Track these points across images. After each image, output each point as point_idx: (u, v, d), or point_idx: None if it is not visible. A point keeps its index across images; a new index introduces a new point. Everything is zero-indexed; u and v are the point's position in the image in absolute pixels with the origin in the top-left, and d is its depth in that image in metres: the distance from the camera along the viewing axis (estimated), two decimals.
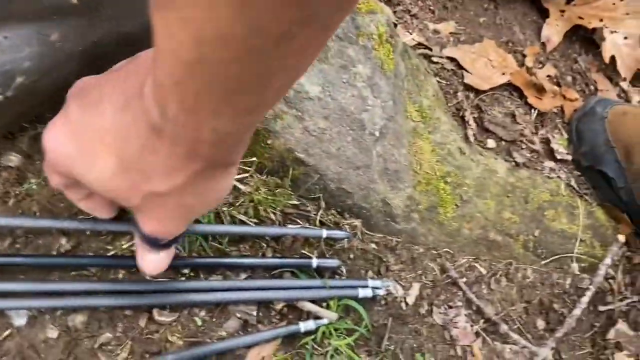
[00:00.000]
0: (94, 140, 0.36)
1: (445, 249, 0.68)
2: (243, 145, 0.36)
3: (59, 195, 0.53)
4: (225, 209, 0.56)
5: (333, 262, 0.57)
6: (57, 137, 0.38)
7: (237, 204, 0.57)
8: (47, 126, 0.39)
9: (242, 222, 0.57)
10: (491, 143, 0.77)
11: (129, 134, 0.34)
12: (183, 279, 0.53)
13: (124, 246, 0.53)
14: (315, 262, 0.56)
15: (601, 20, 0.91)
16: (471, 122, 0.77)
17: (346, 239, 0.60)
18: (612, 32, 0.89)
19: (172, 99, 0.29)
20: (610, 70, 0.92)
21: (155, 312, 0.52)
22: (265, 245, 0.57)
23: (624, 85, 0.91)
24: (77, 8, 0.43)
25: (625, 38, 0.89)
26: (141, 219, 0.40)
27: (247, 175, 0.58)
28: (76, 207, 0.52)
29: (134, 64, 0.38)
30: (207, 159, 0.33)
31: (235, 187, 0.58)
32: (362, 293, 0.57)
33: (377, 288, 0.58)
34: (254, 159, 0.58)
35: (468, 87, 0.79)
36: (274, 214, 0.58)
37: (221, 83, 0.26)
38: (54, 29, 0.43)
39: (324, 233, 0.58)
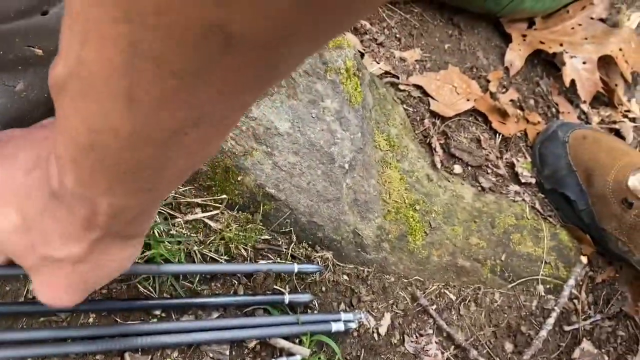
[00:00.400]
0: (4, 196, 0.36)
1: (415, 277, 0.69)
2: (147, 218, 0.36)
3: None
4: (195, 248, 0.56)
5: (305, 297, 0.58)
6: None
7: (208, 242, 0.57)
8: None
9: (213, 260, 0.57)
10: (458, 169, 0.79)
11: (34, 194, 0.35)
12: (154, 320, 0.53)
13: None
14: (287, 297, 0.57)
15: (561, 44, 0.94)
16: (438, 148, 0.78)
17: (317, 272, 0.60)
18: (571, 56, 0.92)
19: (69, 172, 0.29)
20: (570, 92, 0.95)
21: (127, 355, 0.51)
22: (237, 282, 0.58)
23: (584, 107, 0.94)
24: (42, 57, 0.43)
25: (584, 63, 0.92)
26: (35, 283, 0.39)
27: (217, 212, 0.58)
28: None
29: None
30: (105, 231, 0.33)
31: (205, 224, 0.58)
32: (335, 327, 0.58)
33: (349, 321, 0.59)
34: (224, 196, 0.59)
35: (434, 114, 0.81)
36: (245, 250, 0.59)
37: (115, 165, 0.27)
38: (19, 79, 0.43)
39: (296, 268, 0.58)
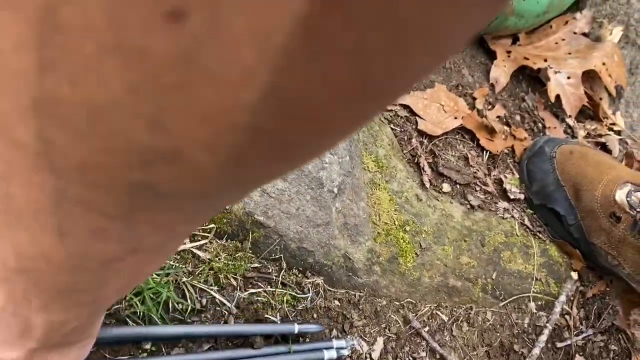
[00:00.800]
0: None
1: (407, 299, 0.68)
2: (90, 326, 0.35)
3: None
4: (185, 279, 0.55)
5: (314, 328, 0.58)
6: None
7: (197, 273, 0.56)
8: None
9: (203, 291, 0.56)
10: (446, 187, 0.79)
11: None
12: (144, 354, 0.52)
13: None
14: (297, 327, 0.56)
15: (545, 60, 0.94)
16: (426, 167, 0.78)
17: (318, 331, 0.60)
18: (555, 72, 0.93)
19: (0, 294, 0.28)
20: (556, 107, 0.96)
21: None
22: (227, 312, 0.57)
23: (570, 121, 0.95)
24: None
25: (569, 78, 0.93)
26: None
27: (205, 242, 0.58)
28: None
29: None
30: (43, 343, 0.32)
31: (194, 254, 0.57)
32: (328, 355, 0.57)
33: (342, 348, 0.59)
34: (213, 225, 0.58)
35: (422, 133, 0.81)
36: (235, 279, 0.58)
37: (49, 287, 0.26)
38: None
39: (296, 328, 0.57)
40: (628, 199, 0.75)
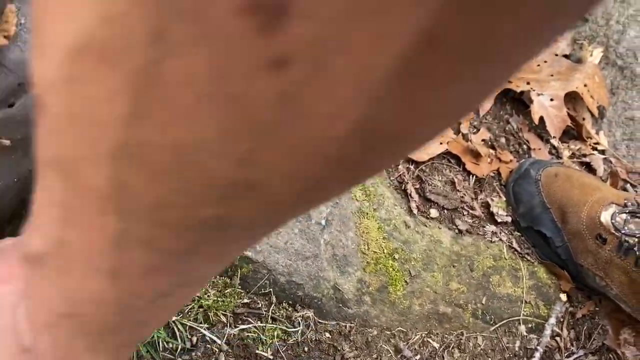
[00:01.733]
0: None
1: (398, 328, 0.69)
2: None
3: None
4: (175, 318, 0.55)
5: None
6: None
7: (186, 311, 0.56)
8: None
9: (192, 329, 0.56)
10: (434, 213, 0.80)
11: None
12: None
13: None
14: None
15: (528, 82, 0.96)
16: (413, 194, 0.79)
17: (299, 332, 0.60)
18: (538, 94, 0.95)
19: (43, 335, 0.27)
20: (540, 128, 0.97)
21: None
22: (217, 350, 0.57)
23: (555, 142, 0.96)
24: (9, 147, 0.43)
25: (552, 100, 0.94)
26: None
27: None
28: None
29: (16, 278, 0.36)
30: None
31: None
32: None
33: None
34: None
35: (408, 159, 0.82)
36: (225, 315, 0.58)
37: (94, 330, 0.25)
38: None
39: None
40: (613, 220, 0.76)
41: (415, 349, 0.69)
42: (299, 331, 0.61)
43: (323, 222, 0.64)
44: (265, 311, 0.60)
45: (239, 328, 0.58)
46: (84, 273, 0.22)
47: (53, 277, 0.23)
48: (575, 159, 0.97)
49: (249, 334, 0.59)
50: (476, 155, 0.87)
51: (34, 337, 0.28)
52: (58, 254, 0.22)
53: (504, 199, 0.87)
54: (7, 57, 0.38)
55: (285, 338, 0.60)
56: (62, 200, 0.19)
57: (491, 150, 0.90)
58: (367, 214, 0.72)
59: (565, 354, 0.79)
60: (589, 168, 0.96)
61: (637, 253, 0.75)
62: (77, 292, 0.23)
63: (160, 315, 0.27)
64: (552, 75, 0.97)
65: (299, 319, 0.62)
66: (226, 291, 0.59)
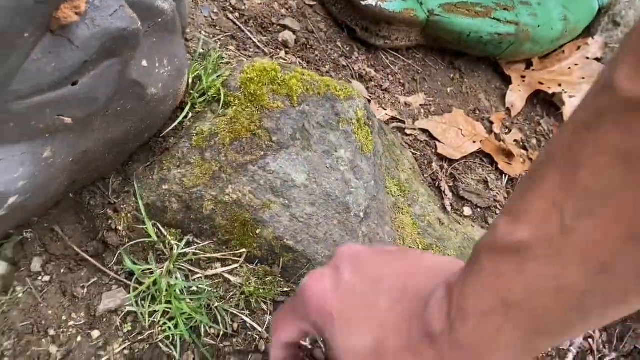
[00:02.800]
0: (360, 314, 0.35)
1: None
2: None
3: (44, 303, 0.52)
4: (217, 303, 0.56)
5: None
6: (324, 291, 0.37)
7: (228, 297, 0.57)
8: (313, 275, 0.38)
9: (234, 315, 0.57)
10: (467, 211, 0.80)
11: (399, 328, 0.33)
12: None
13: (116, 350, 0.52)
14: None
15: (559, 84, 0.96)
16: (447, 191, 0.79)
17: None
18: (570, 96, 0.94)
19: (466, 324, 0.28)
20: None
21: None
22: (258, 337, 0.57)
23: None
24: (69, 125, 0.43)
25: None
26: None
27: (236, 266, 0.58)
28: (62, 313, 0.51)
29: (425, 267, 0.37)
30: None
31: (225, 279, 0.58)
32: None
33: None
34: (243, 249, 0.59)
35: (442, 157, 0.82)
36: (265, 303, 0.59)
37: (531, 324, 0.26)
38: (46, 146, 0.44)
39: None
40: None
41: None
42: None
43: (361, 214, 0.65)
44: None
45: None
46: (569, 262, 0.23)
47: (527, 264, 0.24)
48: None
49: None
50: (509, 155, 0.86)
51: (451, 324, 0.29)
52: (551, 243, 0.23)
53: None
54: (75, 34, 0.39)
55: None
56: (607, 189, 0.21)
57: (523, 151, 0.90)
58: (402, 209, 0.72)
59: (598, 356, 0.78)
60: None
61: None
62: (546, 280, 0.24)
63: (591, 322, 0.26)
64: (583, 78, 0.97)
65: None
66: (267, 279, 0.59)
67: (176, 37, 0.53)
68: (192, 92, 0.61)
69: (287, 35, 0.79)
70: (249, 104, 0.61)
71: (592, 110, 0.24)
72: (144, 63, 0.47)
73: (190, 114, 0.61)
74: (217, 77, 0.63)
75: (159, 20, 0.48)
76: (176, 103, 0.57)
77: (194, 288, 0.56)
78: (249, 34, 0.77)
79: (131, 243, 0.55)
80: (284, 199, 0.60)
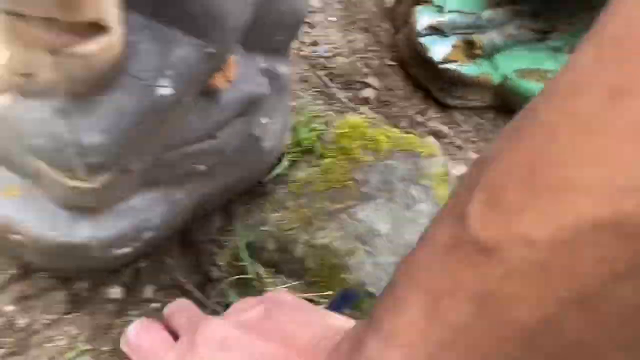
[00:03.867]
0: None
1: None
2: None
3: None
4: None
5: None
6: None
7: None
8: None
9: None
10: None
11: None
12: None
13: None
14: None
15: None
16: None
17: None
18: None
19: None
20: None
21: None
22: None
23: None
24: (202, 172, 0.50)
25: None
26: None
27: (322, 307, 0.63)
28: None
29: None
30: None
31: None
32: None
33: None
34: (329, 292, 0.63)
35: None
36: None
37: None
38: (179, 189, 0.50)
39: None
40: None
41: None
42: None
43: None
44: None
45: None
46: None
47: None
48: None
49: None
50: None
51: None
52: None
53: None
54: (222, 97, 0.45)
55: None
56: (463, 324, 0.23)
57: None
58: None
59: None
60: None
61: None
62: None
63: None
64: None
65: None
66: None
67: (287, 95, 0.59)
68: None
69: (369, 92, 0.86)
70: (341, 157, 0.66)
71: (449, 237, 0.25)
72: (263, 120, 0.53)
73: (286, 163, 0.67)
74: (311, 130, 0.69)
75: (279, 82, 0.54)
76: (279, 154, 0.63)
77: None
78: (335, 90, 0.83)
79: (232, 278, 0.60)
80: (368, 247, 0.64)
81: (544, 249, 0.20)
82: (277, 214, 0.63)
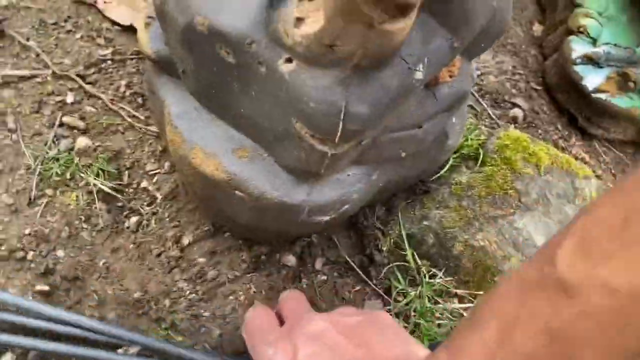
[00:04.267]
0: None
1: None
2: None
3: (320, 297, 0.62)
4: None
5: None
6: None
7: None
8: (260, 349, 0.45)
9: None
10: None
11: None
12: None
13: None
14: None
15: None
16: None
17: None
18: None
19: None
20: None
21: None
22: None
23: None
24: (401, 158, 0.54)
25: None
26: None
27: (471, 305, 0.65)
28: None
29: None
30: None
31: (460, 314, 0.65)
32: None
33: None
34: (481, 292, 0.66)
35: None
36: None
37: None
38: (377, 170, 0.55)
39: None
40: None
41: None
42: None
43: None
44: None
45: None
46: None
47: None
48: None
49: None
50: None
51: None
52: None
53: None
54: (439, 90, 0.50)
55: None
56: (531, 353, 0.27)
57: None
58: None
59: None
60: None
61: None
62: None
63: None
64: None
65: None
66: None
67: (467, 100, 0.63)
68: None
69: (517, 112, 0.88)
70: (503, 166, 0.70)
71: (535, 275, 0.27)
72: (454, 119, 0.58)
73: (448, 166, 0.70)
74: (471, 139, 0.72)
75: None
76: (451, 154, 0.67)
77: (437, 315, 0.63)
78: (485, 106, 0.87)
79: (393, 264, 0.65)
80: (521, 255, 0.67)
81: (623, 297, 0.22)
82: (438, 212, 0.67)
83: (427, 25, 0.41)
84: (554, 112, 0.93)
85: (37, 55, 0.68)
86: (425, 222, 0.67)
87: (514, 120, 0.88)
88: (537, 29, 1.03)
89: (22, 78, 0.66)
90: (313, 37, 0.37)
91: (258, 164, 0.51)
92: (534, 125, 0.89)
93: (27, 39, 0.68)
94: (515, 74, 0.95)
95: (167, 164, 0.65)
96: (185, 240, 0.61)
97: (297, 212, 0.51)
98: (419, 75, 0.41)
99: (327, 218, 0.54)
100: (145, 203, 0.63)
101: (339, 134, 0.41)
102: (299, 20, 0.38)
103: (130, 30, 0.73)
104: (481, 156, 0.70)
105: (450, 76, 0.48)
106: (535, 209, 0.68)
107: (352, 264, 0.64)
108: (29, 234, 0.57)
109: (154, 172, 0.65)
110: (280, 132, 0.46)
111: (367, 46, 0.36)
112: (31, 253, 0.56)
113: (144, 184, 0.64)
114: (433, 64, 0.42)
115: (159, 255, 0.60)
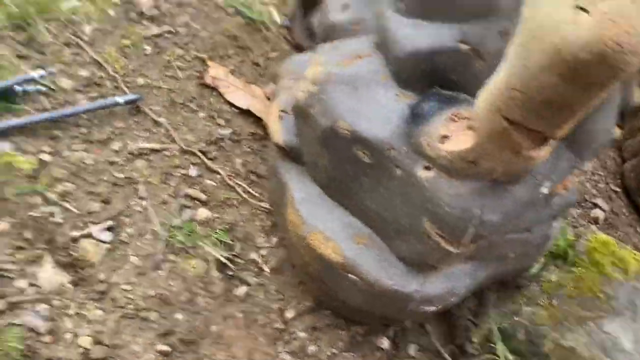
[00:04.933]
0: None
1: None
2: None
3: None
4: None
5: None
6: None
7: None
8: None
9: None
10: None
11: None
12: None
13: None
14: None
15: None
16: None
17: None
18: None
19: None
20: None
21: None
22: None
23: None
24: (507, 258, 0.58)
25: None
26: None
27: None
28: None
29: None
30: None
31: None
32: None
33: None
34: None
35: None
36: None
37: None
38: (483, 268, 0.58)
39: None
40: None
41: None
42: None
43: None
44: None
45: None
46: None
47: None
48: None
49: None
50: None
51: None
52: None
53: None
54: (553, 199, 0.54)
55: None
56: None
57: None
58: None
59: None
60: None
61: None
62: None
63: None
64: None
65: None
66: None
67: None
68: None
69: (598, 213, 0.91)
70: (592, 269, 0.72)
71: None
72: (555, 224, 0.61)
73: (540, 264, 0.73)
74: (562, 239, 0.75)
75: None
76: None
77: None
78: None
79: (484, 357, 0.67)
80: (610, 359, 0.68)
81: None
82: (529, 308, 0.69)
83: (557, 148, 0.46)
84: (633, 215, 0.95)
85: (167, 130, 0.75)
86: (516, 318, 0.69)
87: (595, 220, 0.90)
88: (616, 132, 1.07)
89: (153, 151, 0.73)
90: (457, 154, 0.42)
91: (374, 252, 0.55)
92: (614, 226, 0.91)
93: (159, 116, 0.77)
94: (594, 174, 0.98)
95: (274, 239, 0.70)
96: (289, 314, 0.65)
97: (408, 301, 0.55)
98: (545, 190, 0.46)
99: (433, 309, 0.57)
100: (253, 274, 0.68)
101: (469, 237, 0.46)
102: (444, 137, 0.44)
103: (246, 113, 0.81)
104: (571, 257, 0.72)
105: (565, 189, 0.52)
106: (623, 315, 0.70)
107: (444, 353, 0.67)
108: (154, 296, 0.62)
109: (263, 246, 0.70)
110: (403, 226, 0.51)
111: (509, 167, 0.41)
112: (154, 314, 0.61)
113: (253, 255, 0.69)
114: (556, 181, 0.47)
115: (264, 325, 0.64)
